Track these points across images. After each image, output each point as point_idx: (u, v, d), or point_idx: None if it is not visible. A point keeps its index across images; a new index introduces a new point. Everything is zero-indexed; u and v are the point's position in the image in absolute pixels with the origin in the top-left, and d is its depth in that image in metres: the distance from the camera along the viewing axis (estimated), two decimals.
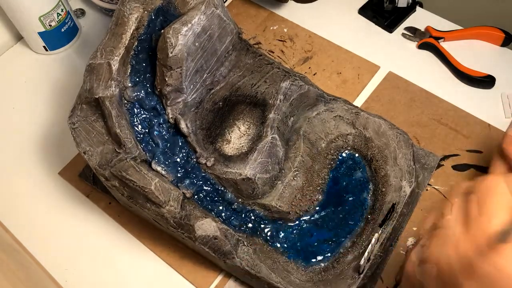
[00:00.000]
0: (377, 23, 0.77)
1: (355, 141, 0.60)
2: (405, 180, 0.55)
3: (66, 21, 0.75)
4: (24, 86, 0.75)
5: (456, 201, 0.36)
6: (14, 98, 0.74)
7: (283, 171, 0.56)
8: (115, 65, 0.51)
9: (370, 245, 0.50)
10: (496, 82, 0.68)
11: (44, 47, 0.76)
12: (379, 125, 0.59)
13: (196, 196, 0.53)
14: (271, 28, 0.77)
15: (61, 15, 0.73)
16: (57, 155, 0.68)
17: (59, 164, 0.67)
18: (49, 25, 0.73)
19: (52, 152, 0.68)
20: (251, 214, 0.55)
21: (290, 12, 0.79)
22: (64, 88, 0.74)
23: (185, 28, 0.50)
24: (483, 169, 0.62)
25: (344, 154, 0.60)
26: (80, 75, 0.74)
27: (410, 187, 0.55)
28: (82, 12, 0.82)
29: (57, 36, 0.75)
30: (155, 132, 0.53)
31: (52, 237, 0.62)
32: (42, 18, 0.71)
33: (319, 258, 0.55)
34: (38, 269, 0.58)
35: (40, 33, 0.73)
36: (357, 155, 0.60)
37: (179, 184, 0.53)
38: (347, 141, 0.60)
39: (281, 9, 0.79)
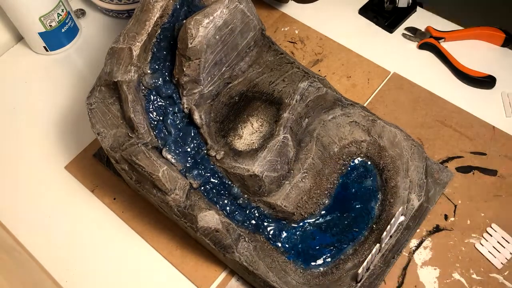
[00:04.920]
0: (378, 23, 0.76)
1: (369, 148, 0.59)
2: (414, 193, 0.55)
3: (67, 21, 0.75)
4: (24, 87, 0.75)
5: None
6: (15, 98, 0.74)
7: (292, 171, 0.56)
8: (136, 51, 0.51)
9: (370, 255, 0.50)
10: (496, 82, 0.68)
11: (44, 47, 0.76)
12: (394, 135, 0.58)
13: (202, 188, 0.54)
14: (282, 29, 0.76)
15: (61, 15, 0.73)
16: (60, 152, 0.68)
17: (63, 161, 0.67)
18: (50, 25, 0.73)
19: (56, 150, 0.68)
20: (256, 211, 0.55)
21: (301, 13, 0.79)
22: (65, 88, 0.74)
23: (206, 20, 0.50)
24: (487, 171, 0.62)
25: (356, 161, 0.60)
26: (81, 76, 0.75)
27: (418, 201, 0.54)
28: (82, 13, 0.82)
29: (58, 36, 0.76)
30: (169, 121, 0.54)
31: (53, 235, 0.61)
32: (42, 18, 0.71)
33: (319, 262, 0.54)
34: (38, 269, 0.59)
35: (40, 34, 0.74)
36: (369, 163, 0.60)
37: (187, 174, 0.53)
38: (360, 148, 0.60)
39: (293, 10, 0.79)
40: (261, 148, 0.54)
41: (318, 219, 0.57)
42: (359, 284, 0.50)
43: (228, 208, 0.54)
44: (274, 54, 0.60)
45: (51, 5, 0.72)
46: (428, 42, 0.72)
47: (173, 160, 0.53)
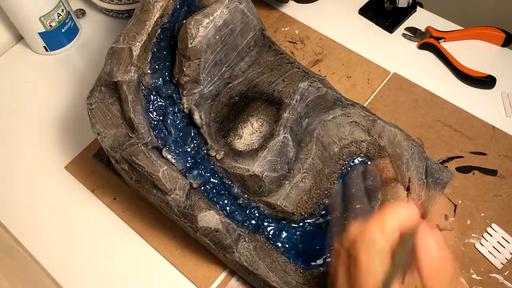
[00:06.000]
0: (378, 23, 0.77)
1: (369, 148, 0.59)
2: (414, 193, 0.55)
3: (67, 21, 0.75)
4: (24, 87, 0.75)
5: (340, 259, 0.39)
6: (15, 98, 0.74)
7: (292, 171, 0.56)
8: (136, 51, 0.51)
9: None
10: (496, 82, 0.68)
11: (44, 47, 0.76)
12: (394, 134, 0.58)
13: (202, 188, 0.54)
14: (282, 29, 0.77)
15: (61, 15, 0.73)
16: (60, 152, 0.68)
17: (63, 161, 0.67)
18: (50, 25, 0.73)
19: (56, 150, 0.68)
20: (256, 211, 0.55)
21: (301, 13, 0.79)
22: (65, 88, 0.74)
23: (206, 20, 0.50)
24: (487, 171, 0.62)
25: (356, 161, 0.60)
26: (81, 76, 0.75)
27: (418, 201, 0.54)
28: (82, 13, 0.82)
29: (58, 36, 0.75)
30: (169, 121, 0.54)
31: (53, 235, 0.61)
32: (42, 18, 0.71)
33: (319, 262, 0.54)
34: (38, 269, 0.58)
35: (40, 34, 0.74)
36: (369, 163, 0.59)
37: (187, 174, 0.53)
38: (360, 148, 0.60)
39: (293, 10, 0.79)
40: (261, 148, 0.54)
41: (318, 219, 0.57)
42: None
43: (228, 208, 0.54)
44: (274, 54, 0.60)
45: (51, 5, 0.71)
46: (428, 42, 0.72)
47: (173, 160, 0.53)
